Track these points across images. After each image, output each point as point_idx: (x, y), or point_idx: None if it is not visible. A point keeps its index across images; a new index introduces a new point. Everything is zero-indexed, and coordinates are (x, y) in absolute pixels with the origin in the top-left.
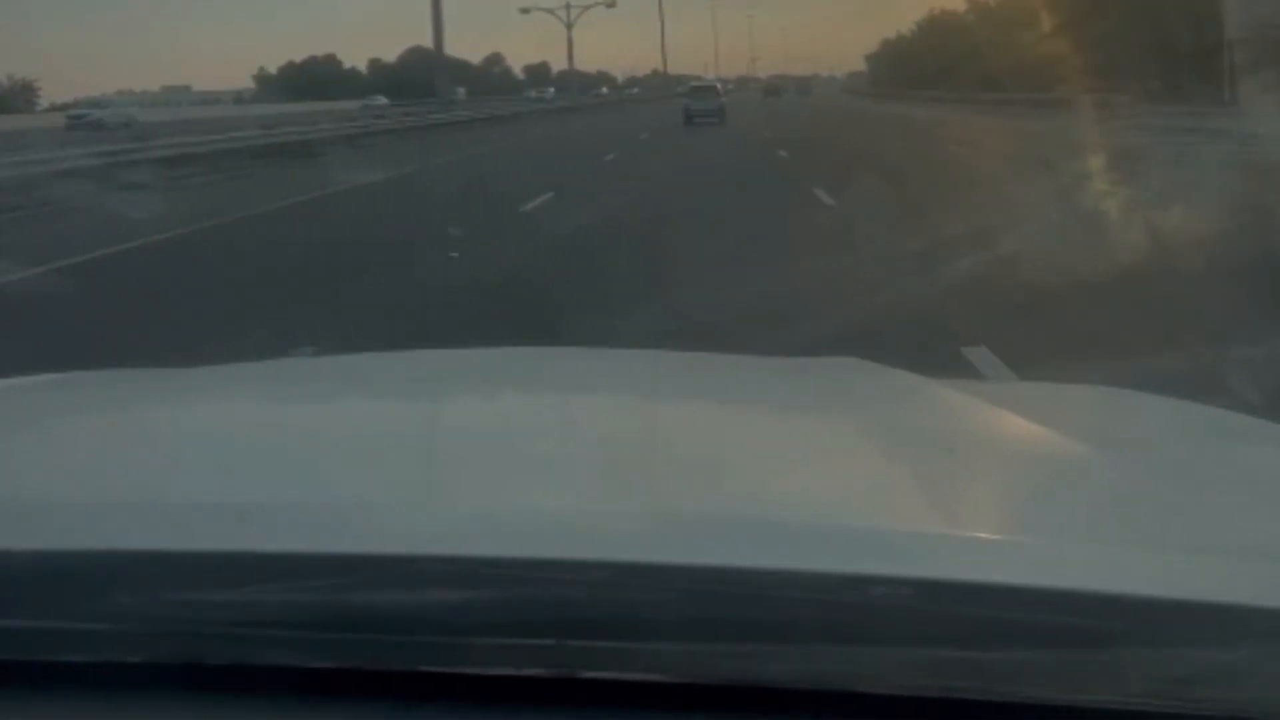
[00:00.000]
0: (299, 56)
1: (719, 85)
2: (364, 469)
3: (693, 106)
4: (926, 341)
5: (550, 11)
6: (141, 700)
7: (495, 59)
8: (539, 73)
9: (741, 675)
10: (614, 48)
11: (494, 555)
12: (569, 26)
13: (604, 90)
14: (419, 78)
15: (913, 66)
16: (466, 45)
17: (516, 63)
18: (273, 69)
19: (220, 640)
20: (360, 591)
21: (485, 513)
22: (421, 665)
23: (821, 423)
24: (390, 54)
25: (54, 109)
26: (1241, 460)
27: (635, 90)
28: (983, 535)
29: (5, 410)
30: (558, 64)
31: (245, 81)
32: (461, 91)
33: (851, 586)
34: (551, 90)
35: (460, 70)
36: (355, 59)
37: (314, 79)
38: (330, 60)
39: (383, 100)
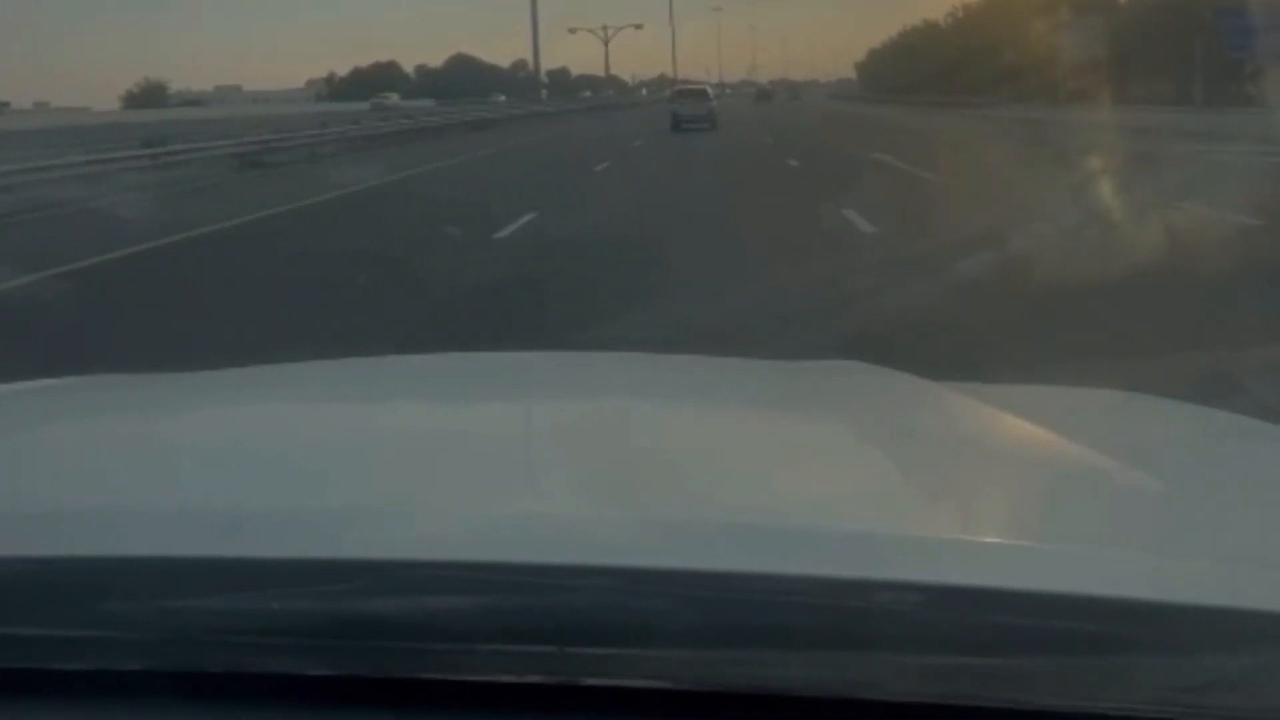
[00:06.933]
0: (341, 60)
1: (709, 89)
2: (365, 475)
3: (680, 112)
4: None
5: (591, 31)
6: (141, 708)
7: (520, 64)
8: (560, 77)
9: (745, 681)
10: (618, 51)
11: (495, 561)
12: (606, 43)
13: (644, 92)
14: (463, 81)
15: (894, 74)
16: (488, 50)
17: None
18: (320, 73)
19: (220, 647)
20: (361, 598)
21: (486, 519)
22: (422, 672)
23: (825, 426)
24: (434, 60)
25: (186, 103)
26: (1252, 464)
27: (667, 92)
28: (989, 540)
29: (4, 416)
30: (576, 68)
31: (293, 82)
32: (545, 93)
33: (856, 592)
34: (610, 92)
35: (492, 74)
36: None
37: (372, 82)
38: (392, 65)
39: (503, 98)
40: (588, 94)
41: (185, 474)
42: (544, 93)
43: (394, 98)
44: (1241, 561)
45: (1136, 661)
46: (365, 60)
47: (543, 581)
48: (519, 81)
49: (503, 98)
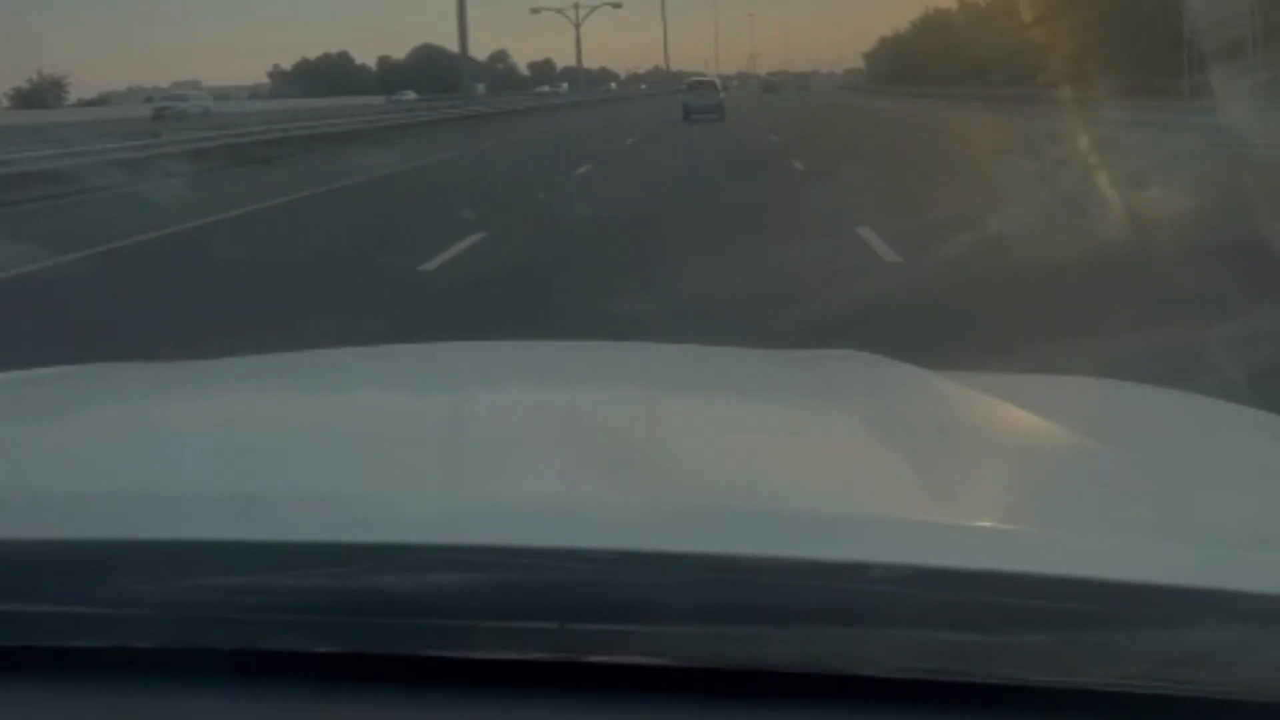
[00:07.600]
0: (303, 53)
1: (718, 81)
2: (370, 459)
3: (691, 103)
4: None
5: (559, 11)
6: (151, 684)
7: (500, 55)
8: (543, 69)
9: (741, 658)
10: (616, 44)
11: (498, 543)
12: (577, 25)
13: (613, 86)
14: (429, 74)
15: (906, 64)
16: (470, 41)
17: (520, 59)
18: (282, 65)
19: (229, 625)
20: (367, 578)
21: (489, 501)
22: (427, 650)
23: (820, 413)
24: (399, 51)
25: (83, 104)
26: (1234, 449)
27: (644, 86)
28: (978, 523)
29: (15, 402)
30: (561, 60)
31: (253, 77)
32: (481, 88)
33: (850, 573)
34: (565, 85)
35: (469, 66)
36: (364, 56)
37: (327, 76)
38: (343, 57)
39: (412, 95)
40: (545, 89)
41: (197, 459)
42: (481, 88)
43: (205, 100)
44: (1220, 543)
45: (1121, 638)
46: (333, 51)
47: (545, 562)
48: (496, 74)
49: (411, 94)
